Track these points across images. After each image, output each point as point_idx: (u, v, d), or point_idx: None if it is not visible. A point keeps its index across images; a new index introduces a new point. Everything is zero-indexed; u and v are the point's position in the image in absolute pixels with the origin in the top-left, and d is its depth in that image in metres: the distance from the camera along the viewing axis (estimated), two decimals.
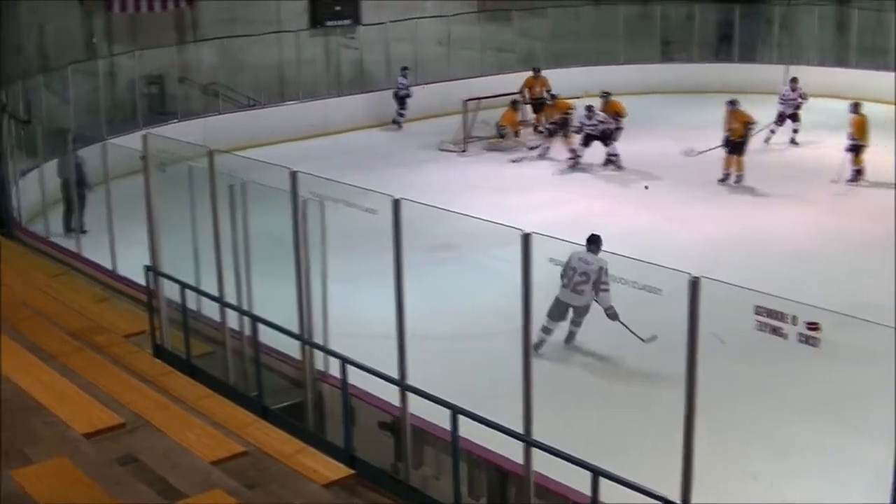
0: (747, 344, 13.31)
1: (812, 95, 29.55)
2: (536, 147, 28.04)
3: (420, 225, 11.27)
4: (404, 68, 31.39)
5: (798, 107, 28.20)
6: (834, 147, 25.97)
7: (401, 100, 31.36)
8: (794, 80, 28.30)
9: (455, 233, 16.88)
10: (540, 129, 28.97)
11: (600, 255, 14.72)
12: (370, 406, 12.01)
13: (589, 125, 26.14)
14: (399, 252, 10.49)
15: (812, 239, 20.84)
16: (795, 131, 28.20)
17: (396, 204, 10.25)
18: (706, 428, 8.90)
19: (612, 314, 14.64)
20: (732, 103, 24.93)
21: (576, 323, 15.25)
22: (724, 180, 24.58)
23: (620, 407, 13.55)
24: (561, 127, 27.49)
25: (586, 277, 14.70)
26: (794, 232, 21.33)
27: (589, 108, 26.40)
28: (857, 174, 24.89)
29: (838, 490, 11.67)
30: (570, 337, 15.38)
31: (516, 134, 28.88)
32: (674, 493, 8.66)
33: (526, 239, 9.15)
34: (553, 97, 29.36)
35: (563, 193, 24.54)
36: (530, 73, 31.16)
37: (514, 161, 27.58)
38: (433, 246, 17.73)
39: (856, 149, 24.92)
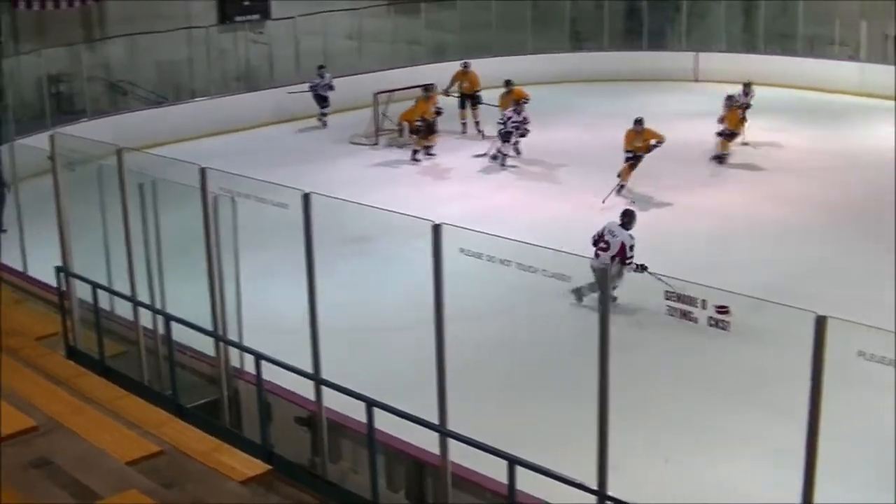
0: (660, 329, 13.56)
1: (721, 82, 29.83)
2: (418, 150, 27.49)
3: (333, 219, 11.22)
4: (321, 67, 30.99)
5: (747, 107, 27.12)
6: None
7: (321, 98, 30.93)
8: (747, 84, 27.55)
9: (368, 226, 16.86)
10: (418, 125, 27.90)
11: (632, 231, 16.32)
12: (287, 401, 11.97)
13: (514, 123, 25.94)
14: (310, 246, 10.49)
15: (718, 224, 21.01)
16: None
17: (306, 198, 10.24)
18: (622, 414, 8.98)
19: (642, 271, 15.48)
20: (639, 122, 24.01)
21: (591, 287, 15.45)
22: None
23: (538, 395, 13.62)
24: (429, 127, 27.27)
25: (606, 245, 16.10)
26: (702, 218, 21.53)
27: (517, 103, 26.31)
28: (722, 158, 25.54)
29: (751, 470, 11.85)
30: (579, 294, 15.81)
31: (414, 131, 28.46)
32: (591, 480, 8.74)
33: (436, 230, 9.17)
34: (476, 98, 29.39)
35: (477, 185, 24.59)
36: (459, 68, 30.50)
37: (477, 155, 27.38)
38: (347, 239, 17.69)
39: (725, 135, 25.26)
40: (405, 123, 28.09)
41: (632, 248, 16.01)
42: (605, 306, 8.20)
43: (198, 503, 9.22)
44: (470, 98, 29.83)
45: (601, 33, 37.94)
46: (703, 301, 8.23)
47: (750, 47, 36.57)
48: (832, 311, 7.32)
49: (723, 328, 8.10)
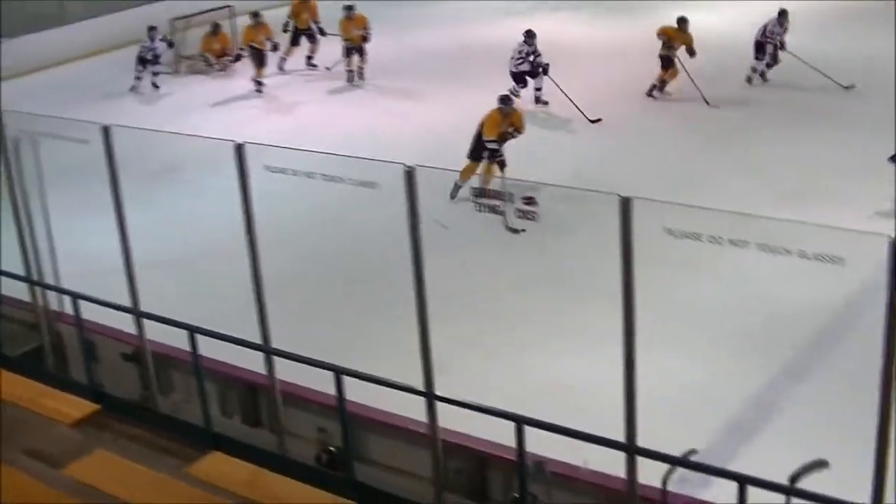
0: (470, 226, 13.66)
1: None
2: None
3: (138, 150, 11.10)
4: (151, 28, 27.12)
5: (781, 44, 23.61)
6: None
7: (148, 62, 26.84)
8: (783, 13, 23.45)
9: (175, 155, 16.61)
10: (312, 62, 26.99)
11: None
12: (111, 339, 11.87)
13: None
14: (115, 181, 10.33)
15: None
16: (769, 66, 23.67)
17: (106, 131, 10.07)
18: (443, 317, 9.10)
19: None
20: (683, 21, 22.61)
21: None
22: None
23: (359, 305, 13.69)
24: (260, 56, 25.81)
25: None
26: None
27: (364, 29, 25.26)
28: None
29: (569, 354, 12.09)
30: None
31: (218, 58, 27.89)
32: (419, 383, 8.86)
33: (239, 149, 9.10)
34: (321, 30, 26.89)
35: (283, 105, 24.35)
36: None
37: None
38: (154, 171, 17.27)
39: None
40: (208, 55, 27.54)
41: None
42: (414, 209, 8.24)
43: (28, 451, 9.10)
44: (305, 33, 27.24)
45: None
46: (510, 194, 8.36)
47: None
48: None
49: (531, 219, 8.24)
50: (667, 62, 22.59)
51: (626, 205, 7.39)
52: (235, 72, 26.80)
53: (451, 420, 9.15)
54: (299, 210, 15.57)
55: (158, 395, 11.35)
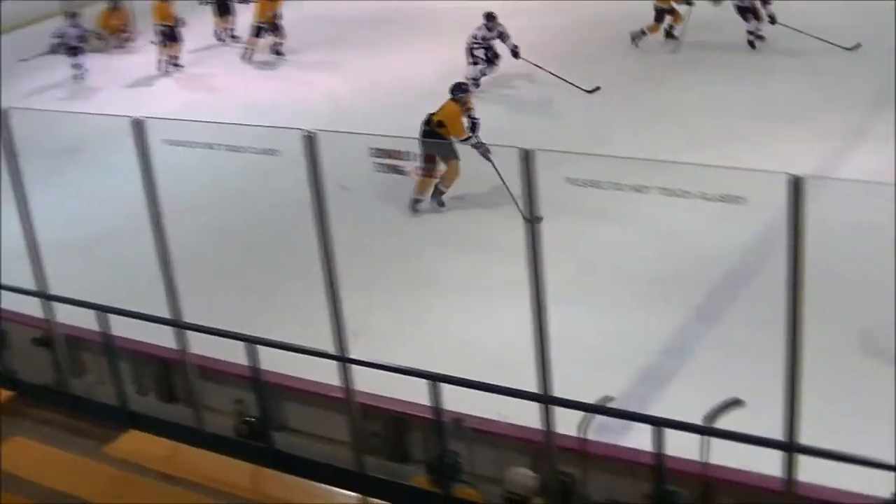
0: (374, 187, 13.60)
1: None
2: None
3: (37, 132, 10.92)
4: (73, 15, 25.69)
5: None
6: None
7: (72, 49, 25.21)
8: None
9: (79, 135, 16.42)
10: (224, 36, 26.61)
11: None
12: (21, 325, 11.73)
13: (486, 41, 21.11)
14: (15, 165, 10.16)
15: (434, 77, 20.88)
16: (758, 27, 21.97)
17: (5, 114, 9.91)
18: (354, 282, 9.12)
19: None
20: None
21: None
22: None
23: (267, 275, 13.73)
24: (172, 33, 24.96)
25: None
26: (409, 76, 21.63)
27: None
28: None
29: (481, 312, 12.27)
30: None
31: (115, 34, 27.29)
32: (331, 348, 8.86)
33: (138, 125, 8.97)
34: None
35: (194, 80, 24.02)
36: None
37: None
38: (58, 152, 17.06)
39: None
40: (104, 32, 27.05)
41: None
42: (317, 174, 8.19)
43: None
44: (225, 4, 26.93)
45: None
46: (410, 153, 8.32)
47: None
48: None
49: (434, 176, 8.24)
50: (660, 15, 22.20)
51: (527, 157, 7.37)
52: (136, 48, 26.43)
53: (368, 384, 9.15)
54: (206, 182, 15.48)
55: (72, 378, 11.25)
